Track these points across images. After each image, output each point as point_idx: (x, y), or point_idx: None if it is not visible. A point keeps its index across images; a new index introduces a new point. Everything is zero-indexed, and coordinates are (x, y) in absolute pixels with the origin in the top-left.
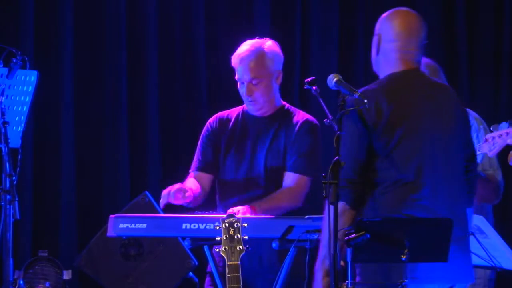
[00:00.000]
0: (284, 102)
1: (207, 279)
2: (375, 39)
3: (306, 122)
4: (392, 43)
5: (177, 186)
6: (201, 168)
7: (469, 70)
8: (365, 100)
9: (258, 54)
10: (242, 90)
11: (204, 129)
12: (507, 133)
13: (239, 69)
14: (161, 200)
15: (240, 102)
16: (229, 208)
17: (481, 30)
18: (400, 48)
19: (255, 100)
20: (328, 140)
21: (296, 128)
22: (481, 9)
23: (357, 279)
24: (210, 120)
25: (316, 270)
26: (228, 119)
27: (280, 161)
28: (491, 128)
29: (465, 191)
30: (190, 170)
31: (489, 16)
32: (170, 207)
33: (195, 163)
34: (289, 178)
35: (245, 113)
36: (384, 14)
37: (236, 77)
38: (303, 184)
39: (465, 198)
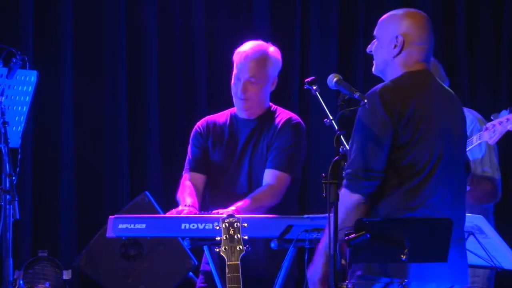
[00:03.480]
0: (271, 104)
1: (200, 278)
2: (394, 40)
3: (289, 120)
4: (417, 45)
5: (185, 210)
6: (194, 169)
7: (469, 70)
8: (365, 100)
9: (262, 55)
10: (237, 87)
11: (193, 133)
12: (508, 119)
13: (239, 65)
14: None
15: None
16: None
17: (481, 28)
18: (423, 51)
19: (247, 99)
20: (328, 140)
21: (279, 126)
22: (481, 8)
23: (358, 273)
24: (198, 123)
25: (318, 255)
26: (216, 123)
27: (262, 162)
28: (491, 117)
29: (465, 196)
30: (187, 171)
31: (489, 15)
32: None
33: (187, 164)
34: (269, 175)
35: (233, 117)
36: (398, 15)
37: (234, 72)
38: (283, 181)
39: (464, 202)
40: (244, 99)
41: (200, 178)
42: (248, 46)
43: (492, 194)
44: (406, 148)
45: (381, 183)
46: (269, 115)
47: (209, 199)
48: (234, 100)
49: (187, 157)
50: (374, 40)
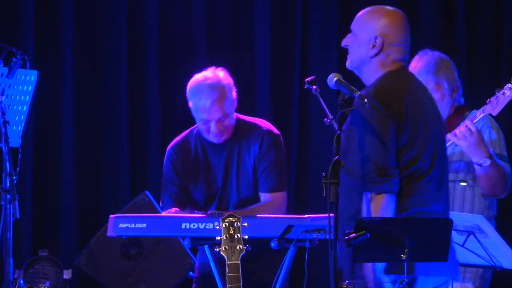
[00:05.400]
0: (236, 115)
1: (193, 286)
2: (373, 40)
3: (266, 135)
4: (396, 46)
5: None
6: (176, 206)
7: (469, 70)
8: (365, 100)
9: (220, 90)
10: (206, 126)
11: (166, 163)
12: (510, 88)
13: (203, 109)
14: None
15: None
16: None
17: (481, 25)
18: (402, 51)
19: (221, 133)
20: (328, 140)
21: (258, 145)
22: (481, 4)
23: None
24: (168, 150)
25: None
26: (187, 147)
27: (250, 183)
28: (495, 91)
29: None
30: (164, 210)
31: (489, 10)
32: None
33: (167, 203)
34: (266, 197)
35: (203, 141)
36: (377, 13)
37: (198, 116)
38: (281, 199)
39: (448, 197)
40: (219, 135)
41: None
42: (203, 89)
43: (503, 184)
44: (406, 148)
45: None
46: (241, 130)
47: None
48: (204, 134)
49: (164, 195)
50: (350, 34)
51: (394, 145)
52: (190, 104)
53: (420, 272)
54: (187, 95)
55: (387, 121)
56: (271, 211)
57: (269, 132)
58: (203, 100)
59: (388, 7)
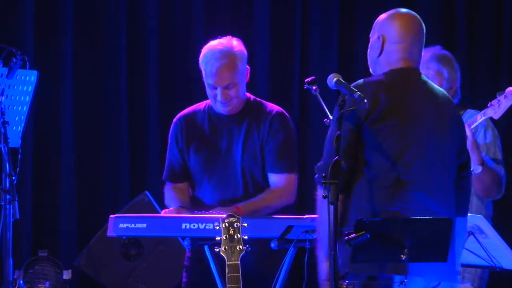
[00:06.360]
0: (248, 95)
1: (184, 275)
2: (377, 40)
3: (277, 116)
4: (396, 44)
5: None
6: (176, 179)
7: (470, 69)
8: (365, 100)
9: (230, 58)
10: (214, 93)
11: (171, 133)
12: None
13: (211, 75)
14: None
15: None
16: (208, 209)
17: (481, 22)
18: (404, 49)
19: (229, 102)
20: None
21: (268, 124)
22: (481, 4)
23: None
24: (175, 121)
25: (319, 259)
26: (194, 119)
27: (255, 160)
28: (496, 95)
29: (454, 197)
30: (166, 180)
31: (489, 10)
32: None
33: (169, 173)
34: (276, 179)
35: (212, 111)
36: (384, 16)
37: (207, 81)
38: (292, 181)
39: (453, 203)
40: (225, 103)
41: (185, 186)
42: (213, 54)
43: (497, 186)
44: (375, 141)
45: (356, 177)
46: (251, 108)
47: (195, 201)
48: (211, 102)
49: (168, 164)
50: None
51: (351, 145)
52: (202, 70)
53: (412, 272)
54: (199, 60)
55: (348, 120)
56: (280, 198)
57: (280, 113)
58: (212, 64)
59: (400, 10)
